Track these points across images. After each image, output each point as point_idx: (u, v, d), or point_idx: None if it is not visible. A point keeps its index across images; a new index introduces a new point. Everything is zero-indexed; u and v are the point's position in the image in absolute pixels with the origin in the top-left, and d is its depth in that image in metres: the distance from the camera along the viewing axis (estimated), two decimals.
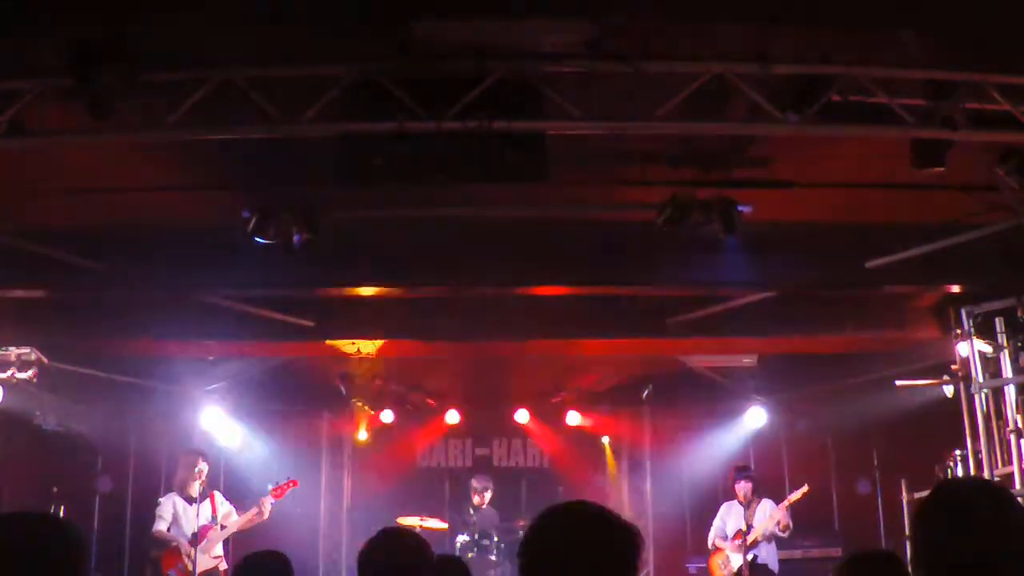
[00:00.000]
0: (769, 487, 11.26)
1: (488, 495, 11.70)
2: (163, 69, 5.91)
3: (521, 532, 11.02)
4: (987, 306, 8.80)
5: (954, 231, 8.06)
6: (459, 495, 12.34)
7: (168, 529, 9.32)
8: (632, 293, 9.53)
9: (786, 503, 10.45)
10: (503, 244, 8.67)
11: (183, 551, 9.10)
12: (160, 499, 9.66)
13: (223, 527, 9.40)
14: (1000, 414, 8.67)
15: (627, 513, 12.96)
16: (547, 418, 13.47)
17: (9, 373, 9.98)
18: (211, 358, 11.53)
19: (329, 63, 6.03)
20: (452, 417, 13.26)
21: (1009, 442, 8.44)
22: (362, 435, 13.07)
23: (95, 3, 5.54)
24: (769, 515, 10.39)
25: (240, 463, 12.65)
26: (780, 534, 10.40)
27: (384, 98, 5.98)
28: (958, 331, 9.04)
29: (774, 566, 10.45)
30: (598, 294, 9.55)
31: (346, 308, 10.00)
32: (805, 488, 10.53)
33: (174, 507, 9.41)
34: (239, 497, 10.08)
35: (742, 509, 10.34)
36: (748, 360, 11.47)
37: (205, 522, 9.26)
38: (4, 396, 10.09)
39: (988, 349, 8.86)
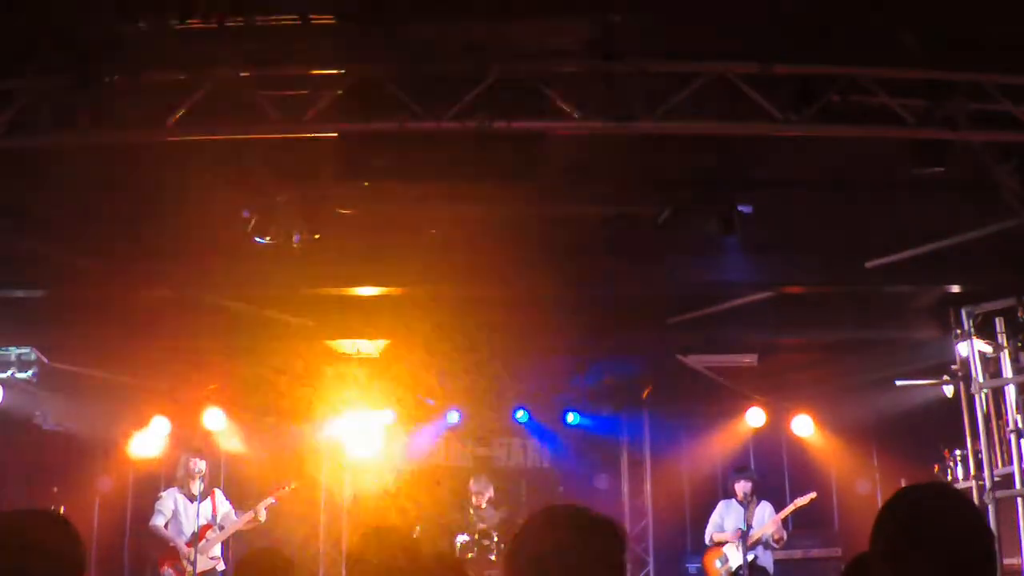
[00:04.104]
0: (769, 487, 11.26)
1: (487, 496, 11.70)
2: (163, 69, 5.91)
3: None
4: (987, 306, 8.80)
5: (954, 231, 8.06)
6: (459, 495, 12.33)
7: (166, 525, 9.30)
8: (632, 293, 9.53)
9: (792, 508, 10.42)
10: (503, 244, 8.67)
11: (181, 552, 9.09)
12: (162, 493, 9.64)
13: (222, 527, 9.39)
14: (1000, 414, 8.67)
15: (627, 513, 13.08)
16: (547, 418, 13.47)
17: (9, 373, 9.98)
18: (211, 358, 11.51)
19: (329, 63, 6.03)
20: (452, 417, 13.27)
21: (1009, 442, 8.44)
22: (362, 435, 13.05)
23: (95, 3, 5.55)
24: (768, 520, 10.38)
25: (240, 463, 12.64)
26: (773, 544, 10.39)
27: (384, 98, 5.99)
28: (958, 331, 9.04)
29: (770, 568, 10.45)
30: (598, 294, 9.55)
31: (346, 308, 10.00)
32: (812, 495, 10.51)
33: (175, 503, 9.38)
34: (239, 497, 10.07)
35: (741, 508, 10.32)
36: (748, 360, 11.47)
37: (205, 522, 9.24)
38: (4, 396, 10.09)
39: (988, 349, 8.85)
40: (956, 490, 2.72)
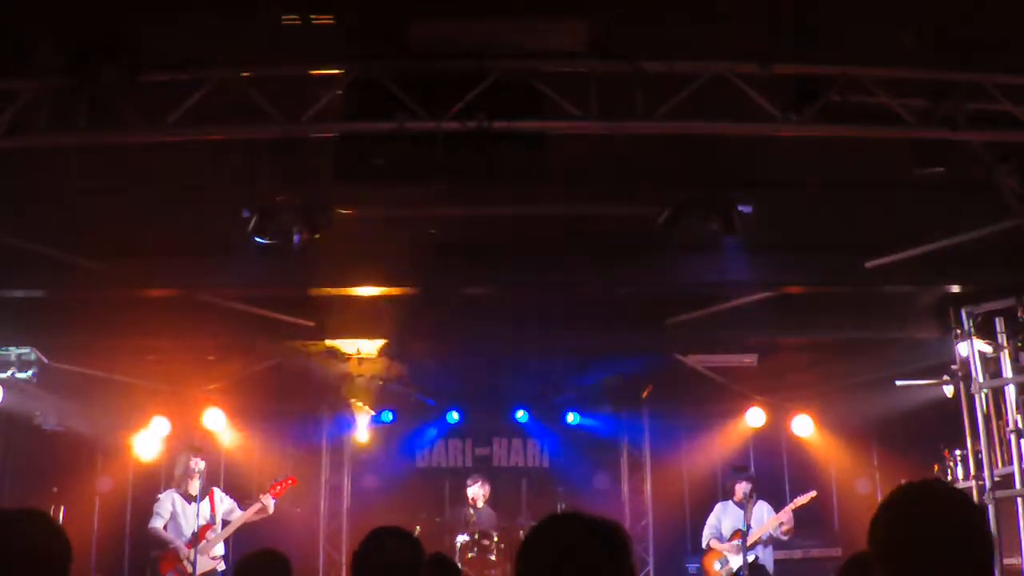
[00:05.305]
0: (769, 487, 11.26)
1: (483, 494, 11.69)
2: (163, 69, 5.91)
3: (521, 532, 11.06)
4: (987, 306, 8.80)
5: (954, 231, 8.05)
6: (459, 495, 12.34)
7: (165, 527, 9.29)
8: (632, 293, 9.52)
9: (792, 506, 10.43)
10: (503, 244, 8.67)
11: (181, 554, 9.08)
12: (160, 495, 9.62)
13: (225, 523, 9.38)
14: (1000, 414, 8.67)
15: (627, 513, 13.07)
16: (547, 418, 13.48)
17: (9, 373, 9.97)
18: (211, 358, 11.52)
19: (329, 63, 6.03)
20: (452, 417, 13.29)
21: (1009, 442, 8.44)
22: (362, 435, 13.07)
23: (95, 3, 5.55)
24: (769, 518, 10.38)
25: (240, 463, 12.65)
26: (782, 537, 10.39)
27: (384, 98, 5.99)
28: (958, 331, 9.04)
29: (771, 567, 10.45)
30: (598, 294, 9.55)
31: (346, 308, 9.99)
32: (813, 493, 10.52)
33: (173, 505, 9.37)
34: (239, 498, 10.06)
35: (739, 509, 10.32)
36: (748, 360, 11.47)
37: (204, 522, 9.23)
38: (4, 396, 10.09)
39: (988, 349, 8.85)
40: (953, 488, 2.72)
